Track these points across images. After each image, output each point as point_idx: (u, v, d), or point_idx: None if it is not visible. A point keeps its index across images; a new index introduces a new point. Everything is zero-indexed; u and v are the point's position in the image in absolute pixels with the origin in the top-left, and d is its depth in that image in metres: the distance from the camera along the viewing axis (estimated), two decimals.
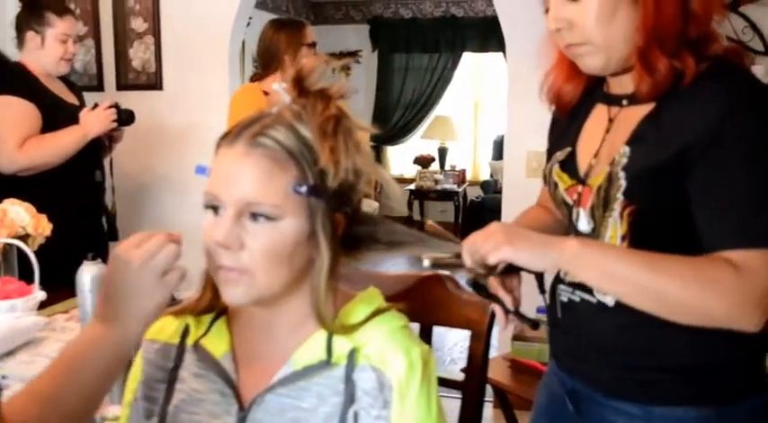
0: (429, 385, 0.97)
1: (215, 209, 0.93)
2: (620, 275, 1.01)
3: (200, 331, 1.05)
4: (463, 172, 7.28)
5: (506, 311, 1.14)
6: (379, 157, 7.69)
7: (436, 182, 6.99)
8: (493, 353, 3.62)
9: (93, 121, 2.62)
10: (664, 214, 1.05)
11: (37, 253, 1.85)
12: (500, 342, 2.99)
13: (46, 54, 2.64)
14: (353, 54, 7.35)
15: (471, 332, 1.27)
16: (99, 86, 3.57)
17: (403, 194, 2.49)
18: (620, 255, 1.03)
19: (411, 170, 7.45)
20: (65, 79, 2.78)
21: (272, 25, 2.82)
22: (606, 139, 1.14)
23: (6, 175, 2.54)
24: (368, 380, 0.95)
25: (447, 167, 7.28)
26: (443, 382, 1.27)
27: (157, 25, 3.48)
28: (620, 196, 1.06)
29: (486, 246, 1.04)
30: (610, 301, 1.10)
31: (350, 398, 0.94)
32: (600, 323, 1.12)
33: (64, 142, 2.58)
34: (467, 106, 7.51)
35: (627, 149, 1.07)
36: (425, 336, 1.33)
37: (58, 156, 2.56)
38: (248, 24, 5.93)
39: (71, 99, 2.75)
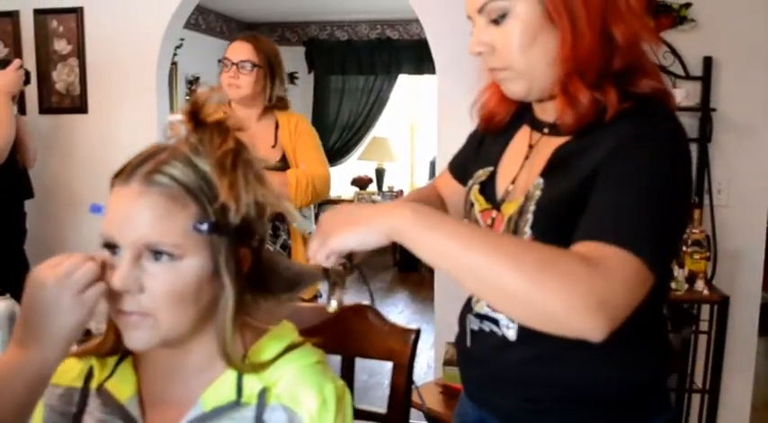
0: (344, 422, 0.95)
1: (112, 249, 0.89)
2: (457, 256, 0.86)
3: (104, 374, 1.00)
4: (401, 193, 7.30)
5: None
6: None
7: (374, 203, 6.97)
8: (430, 376, 3.64)
9: (9, 80, 2.73)
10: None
11: None
12: (435, 370, 2.98)
13: None
14: (289, 76, 7.32)
15: (393, 363, 1.25)
16: (21, 110, 3.45)
17: (308, 224, 2.43)
18: (460, 232, 0.87)
19: (349, 192, 7.43)
20: None
21: None
22: (524, 166, 1.13)
23: None
24: (279, 420, 0.92)
25: (385, 189, 7.28)
26: (366, 415, 1.25)
27: (82, 47, 3.39)
28: (528, 230, 1.04)
29: (314, 246, 0.96)
30: (512, 335, 1.08)
31: None
32: (504, 355, 1.10)
33: (2, 109, 2.64)
34: (403, 127, 7.55)
35: (541, 181, 1.06)
36: (348, 368, 1.30)
37: (8, 122, 2.66)
38: (180, 46, 5.89)
39: None
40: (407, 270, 6.56)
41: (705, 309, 2.85)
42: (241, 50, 2.43)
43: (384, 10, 6.50)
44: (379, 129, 7.43)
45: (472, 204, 1.19)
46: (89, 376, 1.00)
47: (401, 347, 1.24)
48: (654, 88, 1.03)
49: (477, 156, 1.26)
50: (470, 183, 1.22)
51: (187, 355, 0.95)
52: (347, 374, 1.28)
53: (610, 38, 0.99)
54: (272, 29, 7.44)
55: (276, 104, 2.51)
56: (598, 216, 0.93)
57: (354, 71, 7.28)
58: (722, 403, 2.87)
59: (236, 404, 0.93)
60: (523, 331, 1.08)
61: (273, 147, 2.36)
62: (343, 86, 7.37)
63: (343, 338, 1.26)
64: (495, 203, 1.14)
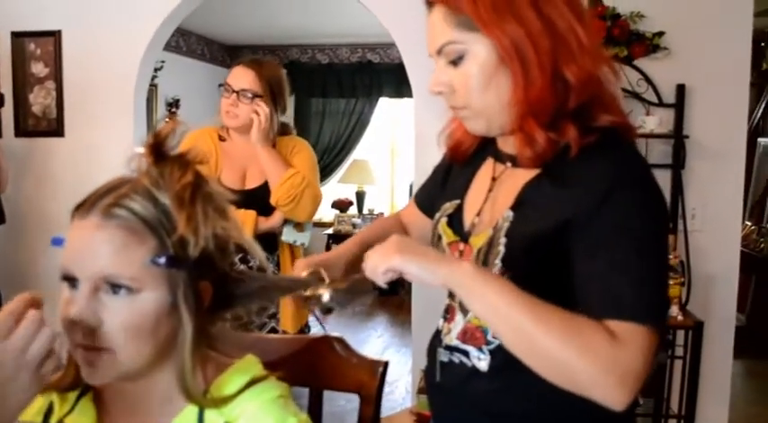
0: None
1: (71, 282, 0.88)
2: (501, 311, 0.94)
3: (64, 409, 0.99)
4: (381, 215, 7.30)
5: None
6: None
7: (354, 226, 6.97)
8: (408, 402, 3.61)
9: None
10: (540, 284, 1.02)
11: None
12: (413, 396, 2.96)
13: None
14: None
15: (360, 395, 1.23)
16: None
17: (297, 236, 2.40)
18: (506, 291, 0.95)
19: (329, 214, 7.42)
20: None
21: None
22: (489, 199, 1.13)
23: None
24: None
25: (365, 211, 7.27)
26: None
27: (59, 70, 3.38)
28: (497, 262, 1.05)
29: (375, 256, 1.01)
30: (484, 366, 1.08)
31: None
32: (473, 385, 1.11)
33: None
34: (384, 150, 7.57)
35: (510, 214, 1.06)
36: (315, 400, 1.28)
37: None
38: (161, 68, 5.89)
39: None
40: (387, 293, 6.54)
41: (680, 334, 2.86)
42: (243, 78, 2.34)
43: (365, 34, 6.53)
44: (360, 151, 7.44)
45: (440, 237, 1.19)
46: (49, 412, 0.99)
47: (369, 379, 1.22)
48: (613, 122, 1.04)
49: (444, 187, 1.26)
50: (438, 215, 1.22)
51: (148, 389, 0.94)
52: (315, 407, 1.27)
53: (563, 79, 1.00)
54: (253, 51, 7.44)
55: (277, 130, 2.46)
56: (593, 292, 0.96)
57: (335, 94, 7.30)
58: None
59: None
60: (496, 363, 1.08)
61: None
62: (324, 109, 7.38)
63: (311, 370, 1.25)
64: (462, 236, 1.15)
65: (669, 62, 2.93)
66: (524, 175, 1.08)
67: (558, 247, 1.00)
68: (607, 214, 0.96)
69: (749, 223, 5.26)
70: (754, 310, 5.09)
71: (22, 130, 3.45)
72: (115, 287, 0.86)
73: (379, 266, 0.99)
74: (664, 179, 2.99)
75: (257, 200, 2.28)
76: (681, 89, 2.92)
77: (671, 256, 2.74)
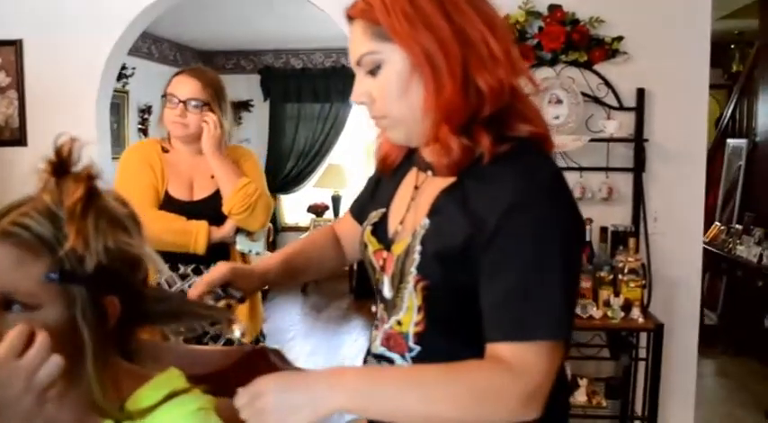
0: None
1: None
2: (398, 411, 0.97)
3: None
4: None
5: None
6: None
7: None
8: None
9: None
10: (454, 293, 1.05)
11: None
12: None
13: None
14: (245, 104, 7.31)
15: None
16: None
17: (251, 244, 2.38)
18: (389, 387, 0.98)
19: (305, 219, 7.41)
20: None
21: None
22: (411, 207, 1.15)
23: None
24: None
25: (341, 215, 7.25)
26: None
27: (21, 80, 3.35)
28: (413, 270, 1.07)
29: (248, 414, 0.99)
30: None
31: None
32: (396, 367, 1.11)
33: None
34: (359, 154, 7.57)
35: (427, 222, 1.08)
36: None
37: None
38: (132, 75, 5.86)
39: None
40: (363, 297, 6.53)
41: (644, 336, 2.88)
42: (188, 87, 2.29)
43: (338, 38, 6.52)
44: (336, 156, 7.44)
45: (366, 245, 1.21)
46: None
47: None
48: (531, 132, 1.05)
49: (374, 197, 1.28)
50: (365, 224, 1.24)
51: (62, 405, 0.93)
52: None
53: (476, 87, 1.02)
54: (227, 57, 7.44)
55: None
56: (498, 314, 0.98)
57: (310, 99, 7.30)
58: None
59: None
60: None
61: (213, 177, 2.32)
62: (299, 114, 7.38)
63: (245, 382, 1.24)
64: (386, 244, 1.16)
65: (629, 66, 2.96)
66: (442, 183, 1.09)
67: (464, 263, 1.02)
68: (505, 236, 0.98)
69: (718, 224, 5.31)
70: (725, 310, 5.14)
71: None
72: (10, 303, 0.87)
73: None
74: (625, 183, 3.02)
75: (207, 210, 2.27)
76: (641, 93, 2.95)
77: (631, 259, 2.77)
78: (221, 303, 1.23)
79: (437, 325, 1.08)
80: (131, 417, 0.92)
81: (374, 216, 1.22)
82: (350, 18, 1.08)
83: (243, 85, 7.36)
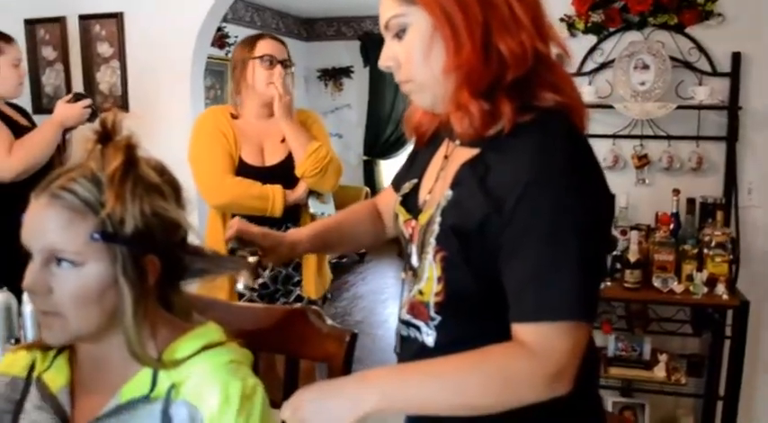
0: (248, 420, 1.00)
1: (31, 255, 0.98)
2: (430, 403, 1.01)
3: (44, 365, 1.10)
4: None
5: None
6: (372, 170, 7.71)
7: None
8: None
9: (71, 114, 2.76)
10: (472, 267, 1.04)
11: None
12: None
13: (2, 80, 2.72)
14: (345, 70, 7.41)
15: (327, 366, 1.28)
16: None
17: (323, 207, 2.46)
18: (419, 382, 1.01)
19: None
20: (13, 105, 2.86)
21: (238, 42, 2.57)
22: (440, 177, 1.15)
23: None
24: (182, 415, 0.99)
25: None
26: None
27: (123, 50, 3.54)
28: (432, 241, 1.07)
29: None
30: (431, 341, 1.11)
31: None
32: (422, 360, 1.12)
33: (46, 136, 2.71)
34: None
35: (450, 193, 1.08)
36: (291, 368, 1.34)
37: (45, 149, 2.70)
38: (235, 43, 6.04)
39: (24, 122, 2.83)
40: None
41: (731, 314, 2.75)
42: (280, 48, 2.38)
43: None
44: None
45: (397, 216, 1.23)
46: (32, 367, 1.11)
47: (336, 350, 1.26)
48: (558, 102, 1.03)
49: (410, 169, 1.29)
50: (398, 195, 1.25)
51: (109, 350, 1.03)
52: (291, 374, 1.33)
53: (497, 51, 1.00)
54: (327, 23, 7.54)
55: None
56: (519, 295, 0.98)
57: None
58: (744, 411, 2.77)
59: (147, 398, 1.00)
60: (441, 339, 1.10)
61: (282, 142, 2.39)
62: None
63: (285, 340, 1.31)
64: (414, 213, 1.17)
65: (724, 29, 2.78)
66: (467, 154, 1.09)
67: (485, 236, 1.01)
68: (522, 216, 0.97)
69: None
70: None
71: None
72: (60, 260, 0.96)
73: None
74: (717, 152, 2.87)
75: (280, 174, 2.35)
76: (736, 57, 2.77)
77: (718, 233, 2.64)
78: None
79: (456, 296, 1.08)
80: (166, 366, 1.01)
81: (407, 187, 1.23)
82: None
83: (343, 52, 7.46)
